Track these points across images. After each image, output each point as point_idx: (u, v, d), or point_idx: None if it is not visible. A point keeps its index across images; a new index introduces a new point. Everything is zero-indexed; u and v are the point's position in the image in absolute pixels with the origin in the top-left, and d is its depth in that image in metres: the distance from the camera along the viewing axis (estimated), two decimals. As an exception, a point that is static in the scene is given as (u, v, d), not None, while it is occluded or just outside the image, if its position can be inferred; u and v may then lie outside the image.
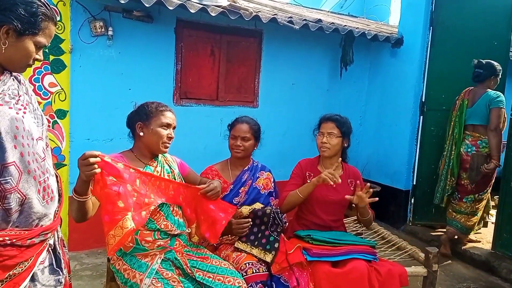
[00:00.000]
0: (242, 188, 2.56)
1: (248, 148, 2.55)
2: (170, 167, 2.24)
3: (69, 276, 1.68)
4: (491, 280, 3.76)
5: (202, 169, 2.62)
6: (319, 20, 4.60)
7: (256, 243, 2.21)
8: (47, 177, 1.46)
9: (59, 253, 1.58)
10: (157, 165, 2.17)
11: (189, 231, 2.23)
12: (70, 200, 1.84)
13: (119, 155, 2.10)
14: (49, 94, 3.57)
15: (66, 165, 3.69)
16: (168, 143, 2.14)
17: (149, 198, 1.95)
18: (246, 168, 2.62)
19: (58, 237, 1.60)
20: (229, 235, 2.41)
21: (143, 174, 1.99)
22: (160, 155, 2.23)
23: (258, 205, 2.48)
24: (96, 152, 1.77)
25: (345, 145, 2.56)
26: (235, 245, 2.29)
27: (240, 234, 2.30)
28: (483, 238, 4.53)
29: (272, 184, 2.67)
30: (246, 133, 2.54)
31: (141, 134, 2.11)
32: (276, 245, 2.24)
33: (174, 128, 2.18)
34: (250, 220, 2.31)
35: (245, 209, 2.40)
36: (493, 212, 4.71)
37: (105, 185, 1.80)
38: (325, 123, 2.56)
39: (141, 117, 2.12)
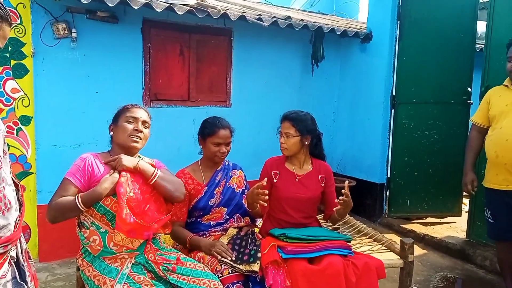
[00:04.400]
0: (217, 189, 2.51)
1: (229, 150, 2.52)
2: None
3: None
4: (466, 268, 3.82)
5: (176, 171, 2.55)
6: (289, 17, 4.59)
7: (238, 262, 2.17)
8: (3, 186, 1.38)
9: (23, 265, 1.50)
10: None
11: (160, 235, 2.18)
12: (57, 206, 1.93)
13: (96, 154, 2.12)
14: (12, 100, 3.44)
15: (33, 173, 3.56)
16: (136, 136, 2.11)
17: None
18: (219, 168, 2.57)
19: (22, 249, 1.52)
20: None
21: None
22: (137, 157, 2.19)
23: (232, 231, 2.44)
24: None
25: (306, 142, 2.48)
26: (219, 260, 2.20)
27: (218, 255, 2.19)
28: (457, 227, 4.62)
29: (245, 182, 2.64)
30: (229, 138, 2.50)
31: (111, 134, 2.17)
32: (258, 254, 2.20)
33: (144, 123, 2.16)
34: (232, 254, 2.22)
35: (224, 240, 2.35)
36: (466, 201, 4.80)
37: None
38: (282, 123, 2.50)
39: (113, 120, 2.20)
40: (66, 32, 3.51)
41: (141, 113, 2.16)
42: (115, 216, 1.96)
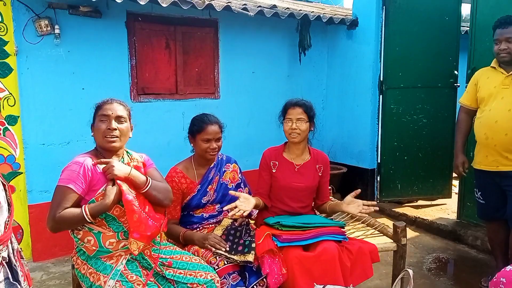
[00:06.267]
0: (210, 186, 2.50)
1: (220, 146, 2.49)
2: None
3: None
4: (458, 248, 3.88)
5: (167, 166, 2.53)
6: (274, 6, 4.56)
7: (233, 252, 2.18)
8: None
9: (15, 265, 1.49)
10: None
11: None
12: (62, 219, 1.86)
13: (87, 155, 2.04)
14: (-3, 100, 3.39)
15: (22, 173, 3.51)
16: (110, 136, 2.00)
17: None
18: (212, 165, 2.54)
19: (13, 249, 1.51)
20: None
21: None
22: (125, 154, 2.16)
23: (226, 221, 2.44)
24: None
25: (312, 129, 2.53)
26: (213, 252, 2.21)
27: (212, 248, 2.20)
28: (448, 208, 4.68)
29: (239, 175, 2.63)
30: (219, 133, 2.46)
31: (92, 134, 2.11)
32: (253, 245, 2.21)
33: (119, 118, 2.04)
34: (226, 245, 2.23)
35: (218, 231, 2.35)
36: (455, 182, 4.86)
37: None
38: (292, 109, 2.47)
39: (92, 119, 2.12)
40: (49, 28, 3.45)
41: (113, 109, 2.03)
42: (114, 218, 1.97)
